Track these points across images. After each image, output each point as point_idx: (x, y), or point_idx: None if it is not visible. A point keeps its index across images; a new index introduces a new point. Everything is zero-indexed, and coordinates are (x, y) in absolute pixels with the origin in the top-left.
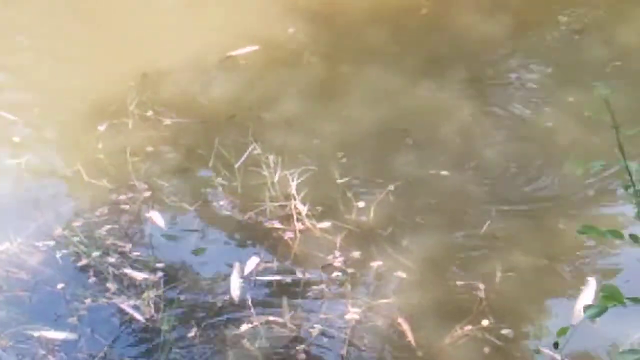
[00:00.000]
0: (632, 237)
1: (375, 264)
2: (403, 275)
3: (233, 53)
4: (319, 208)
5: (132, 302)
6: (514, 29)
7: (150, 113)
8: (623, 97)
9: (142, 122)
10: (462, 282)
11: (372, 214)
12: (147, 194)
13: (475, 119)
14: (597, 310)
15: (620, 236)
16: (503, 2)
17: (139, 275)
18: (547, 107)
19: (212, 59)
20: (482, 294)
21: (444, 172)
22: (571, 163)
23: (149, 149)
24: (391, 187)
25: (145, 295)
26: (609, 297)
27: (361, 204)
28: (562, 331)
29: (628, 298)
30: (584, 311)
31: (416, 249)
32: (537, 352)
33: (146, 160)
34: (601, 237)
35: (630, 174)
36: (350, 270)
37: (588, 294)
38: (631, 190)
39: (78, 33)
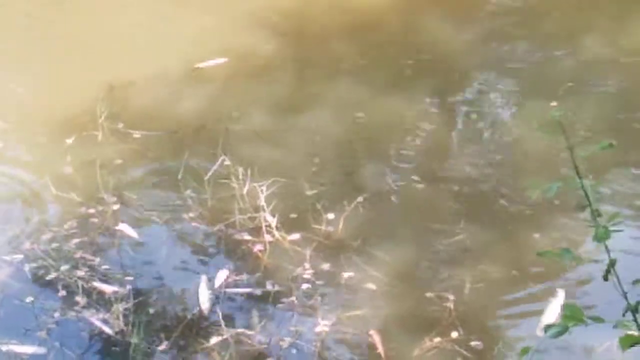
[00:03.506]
0: (591, 260)
1: (345, 275)
2: (373, 287)
3: (202, 65)
4: (289, 220)
5: (101, 315)
6: (482, 41)
7: (120, 126)
8: (588, 111)
9: (112, 134)
10: (431, 294)
11: (341, 226)
12: (116, 206)
13: (443, 131)
14: (558, 330)
15: (577, 260)
16: (470, 16)
17: (108, 289)
18: (515, 119)
19: (181, 71)
20: (451, 306)
21: (413, 184)
22: (529, 186)
23: (118, 161)
24: (360, 199)
25: (114, 308)
26: (570, 317)
27: (330, 216)
28: (524, 351)
29: (589, 317)
30: (545, 330)
31: (386, 261)
32: None
33: (115, 172)
34: (559, 259)
35: (586, 195)
36: (320, 282)
37: (555, 306)
38: (588, 210)
39: (44, 46)
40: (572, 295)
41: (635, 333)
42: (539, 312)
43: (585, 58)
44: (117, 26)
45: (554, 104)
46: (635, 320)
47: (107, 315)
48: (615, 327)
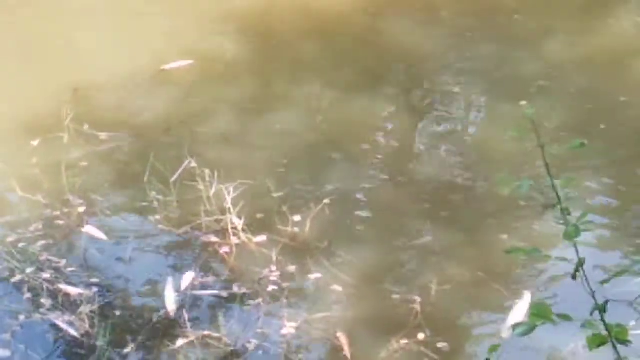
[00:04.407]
0: (559, 258)
1: (312, 277)
2: (339, 288)
3: (167, 67)
4: (255, 222)
5: (66, 317)
6: (448, 42)
7: (85, 127)
8: (556, 111)
9: (78, 137)
10: (398, 296)
11: (307, 228)
12: (82, 208)
13: (410, 132)
14: (525, 329)
15: (546, 258)
16: (436, 17)
17: (74, 291)
18: (481, 120)
19: (146, 73)
20: (418, 307)
21: (379, 186)
22: (499, 182)
23: (84, 163)
24: (327, 201)
25: (80, 310)
26: (538, 315)
27: (297, 218)
28: (493, 348)
29: (557, 315)
30: (513, 329)
31: (352, 263)
32: None
33: (81, 174)
34: (528, 256)
35: (557, 193)
36: (286, 284)
37: (521, 307)
38: (557, 209)
39: (7, 48)
40: (540, 295)
41: (603, 333)
42: (506, 314)
43: (551, 58)
44: (81, 28)
45: (523, 103)
46: (603, 320)
47: (72, 318)
48: (582, 326)
